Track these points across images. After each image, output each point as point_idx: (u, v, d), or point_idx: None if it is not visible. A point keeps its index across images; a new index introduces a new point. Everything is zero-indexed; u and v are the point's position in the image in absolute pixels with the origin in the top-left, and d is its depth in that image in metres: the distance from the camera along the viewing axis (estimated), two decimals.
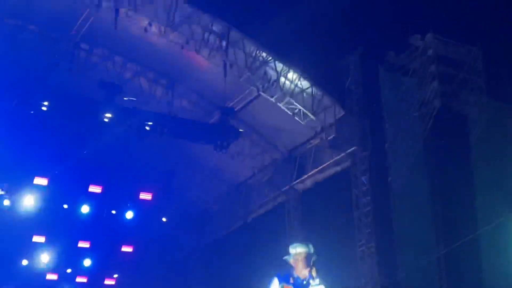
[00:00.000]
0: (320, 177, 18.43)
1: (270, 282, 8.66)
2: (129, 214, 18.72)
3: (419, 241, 16.05)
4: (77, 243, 18.50)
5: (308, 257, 8.52)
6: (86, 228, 18.40)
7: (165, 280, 22.49)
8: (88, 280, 19.33)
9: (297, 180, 18.91)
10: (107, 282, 19.82)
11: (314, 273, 8.48)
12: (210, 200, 21.91)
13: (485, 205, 15.22)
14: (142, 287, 21.74)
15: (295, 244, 8.77)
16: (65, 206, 17.84)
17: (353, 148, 17.02)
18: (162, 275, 22.25)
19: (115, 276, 20.04)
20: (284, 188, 19.29)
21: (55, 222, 18.12)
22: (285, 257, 8.77)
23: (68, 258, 18.79)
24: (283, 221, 19.40)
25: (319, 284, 8.55)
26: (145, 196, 18.67)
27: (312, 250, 8.67)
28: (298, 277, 8.56)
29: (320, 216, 18.76)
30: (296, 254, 8.65)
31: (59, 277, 19.44)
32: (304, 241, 8.83)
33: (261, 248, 20.23)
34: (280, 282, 8.50)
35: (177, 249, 21.92)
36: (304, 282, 8.55)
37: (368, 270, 16.22)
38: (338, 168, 17.74)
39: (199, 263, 22.91)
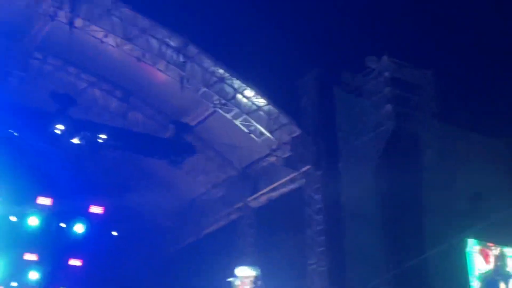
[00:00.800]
0: (274, 194, 18.44)
1: None
2: (79, 228, 18.39)
3: (370, 261, 16.11)
4: (23, 256, 18.06)
5: (255, 281, 8.48)
6: (33, 240, 18.00)
7: None
8: None
9: (251, 197, 18.86)
10: None
11: None
12: (163, 215, 21.70)
13: (436, 227, 15.35)
14: None
15: (243, 267, 8.72)
16: (13, 218, 17.46)
17: (307, 167, 17.07)
18: None
19: None
20: (238, 205, 19.23)
21: (1, 234, 17.70)
22: (230, 279, 8.70)
23: (14, 270, 18.36)
24: (236, 238, 19.31)
25: None
26: (96, 209, 18.37)
27: (259, 274, 8.64)
28: None
29: (273, 233, 18.73)
30: (244, 277, 8.60)
31: None
32: (252, 264, 8.78)
33: (213, 264, 20.09)
34: None
35: (127, 264, 21.60)
36: None
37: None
38: (292, 186, 17.76)
39: (149, 278, 22.61)
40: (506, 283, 15.29)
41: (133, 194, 20.42)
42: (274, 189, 18.32)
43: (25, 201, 17.34)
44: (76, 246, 18.72)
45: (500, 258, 15.46)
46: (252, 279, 8.61)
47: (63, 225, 18.06)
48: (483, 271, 15.04)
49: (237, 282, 8.66)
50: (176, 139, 17.59)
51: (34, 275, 18.26)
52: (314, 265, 16.50)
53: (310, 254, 16.70)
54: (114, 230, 19.44)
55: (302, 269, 16.24)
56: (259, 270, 8.75)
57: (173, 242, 21.61)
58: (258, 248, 18.74)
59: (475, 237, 15.22)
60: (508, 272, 15.61)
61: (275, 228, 18.76)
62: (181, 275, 20.76)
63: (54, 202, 17.56)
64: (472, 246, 15.14)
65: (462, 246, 14.79)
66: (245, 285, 8.61)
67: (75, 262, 18.83)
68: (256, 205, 19.02)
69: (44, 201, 17.44)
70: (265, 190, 18.53)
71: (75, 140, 16.37)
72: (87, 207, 18.26)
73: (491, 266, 15.26)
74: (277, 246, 18.45)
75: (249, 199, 19.00)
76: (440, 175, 16.25)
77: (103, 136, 16.47)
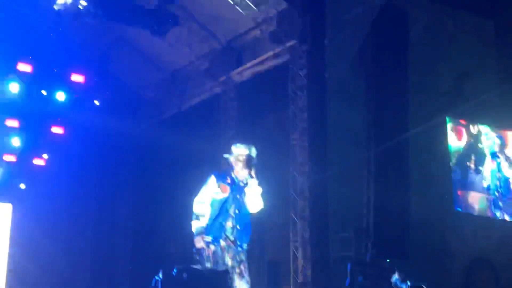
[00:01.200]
0: (258, 69, 18.24)
1: (206, 179, 8.62)
2: (61, 96, 18.24)
3: (352, 138, 16.31)
4: (4, 121, 17.98)
5: (249, 158, 8.47)
6: (14, 106, 17.87)
7: (95, 163, 22.38)
8: (16, 159, 18.97)
9: (235, 71, 18.67)
10: (36, 162, 19.52)
11: (253, 173, 8.47)
12: (145, 86, 21.56)
13: (419, 106, 15.44)
14: (72, 169, 21.60)
15: (238, 145, 8.70)
16: None
17: (292, 42, 16.81)
18: (93, 158, 22.10)
19: (45, 156, 19.76)
20: (221, 79, 19.05)
21: None
22: (226, 155, 8.69)
23: None
24: (218, 111, 19.31)
25: (258, 185, 8.55)
26: (77, 78, 18.14)
27: (254, 153, 8.61)
28: (235, 177, 8.52)
29: (256, 108, 18.78)
30: (238, 154, 8.58)
31: None
32: (247, 142, 8.75)
33: (195, 137, 20.24)
34: (217, 180, 8.47)
35: (109, 134, 21.71)
36: (241, 184, 8.51)
37: (299, 164, 16.43)
38: (276, 61, 17.56)
39: (131, 148, 22.83)
40: (477, 161, 15.56)
41: (115, 64, 20.19)
42: (258, 64, 18.11)
43: (5, 67, 17.04)
44: (57, 114, 18.67)
45: (474, 135, 15.67)
46: (245, 157, 8.58)
47: (44, 92, 17.91)
48: (456, 148, 15.28)
49: (232, 159, 8.66)
50: (160, 9, 17.16)
51: (16, 141, 18.30)
52: (296, 140, 16.63)
53: (293, 130, 16.80)
54: (96, 99, 19.35)
55: (284, 145, 16.36)
56: (254, 149, 8.72)
57: (155, 113, 21.60)
58: (240, 122, 18.80)
59: (457, 116, 15.35)
60: (482, 149, 15.87)
61: (258, 103, 18.78)
62: (163, 146, 20.95)
63: (34, 69, 17.27)
64: (452, 125, 15.28)
65: (444, 125, 14.92)
66: (239, 162, 8.60)
67: (57, 129, 18.85)
68: (240, 79, 18.85)
69: (24, 67, 17.14)
70: (249, 65, 18.32)
71: (56, 6, 15.95)
72: (69, 75, 18.05)
73: (463, 143, 15.49)
74: (260, 121, 18.57)
75: (232, 73, 18.80)
76: (426, 54, 16.17)
77: (84, 3, 16.03)
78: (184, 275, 5.75)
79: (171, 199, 20.18)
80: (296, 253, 16.16)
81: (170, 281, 5.79)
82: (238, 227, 8.32)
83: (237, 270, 8.17)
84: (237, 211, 8.38)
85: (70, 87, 18.27)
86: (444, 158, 14.90)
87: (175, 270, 5.86)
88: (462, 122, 15.66)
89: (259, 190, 8.50)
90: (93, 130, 21.11)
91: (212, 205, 8.43)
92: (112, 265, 21.71)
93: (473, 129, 15.77)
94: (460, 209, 15.00)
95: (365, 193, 15.82)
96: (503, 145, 15.79)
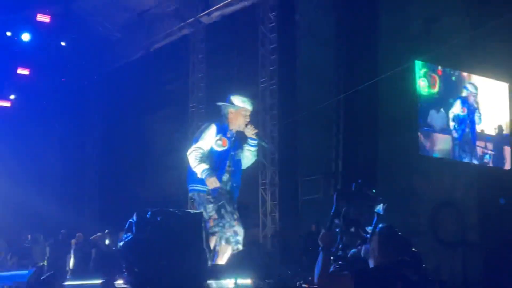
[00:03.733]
0: (227, 11, 17.98)
1: (207, 128, 8.23)
2: (26, 36, 17.87)
3: (321, 82, 16.28)
4: None
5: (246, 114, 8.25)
6: None
7: (62, 104, 22.08)
8: None
9: (204, 13, 18.39)
10: (2, 103, 19.26)
11: (253, 131, 8.20)
12: (112, 27, 21.15)
13: (389, 50, 15.40)
14: (38, 110, 21.31)
15: (244, 99, 8.30)
16: None
17: None
18: (60, 99, 21.80)
19: (11, 97, 19.52)
20: (190, 20, 18.77)
21: None
22: (222, 104, 8.33)
23: None
24: (186, 54, 19.10)
25: (256, 146, 8.32)
26: (42, 18, 17.72)
27: (253, 109, 8.39)
28: (232, 131, 8.21)
29: (225, 51, 18.58)
30: (243, 108, 8.24)
31: None
32: (240, 93, 8.44)
33: (163, 79, 20.05)
34: (218, 132, 8.11)
35: (76, 75, 21.39)
36: (233, 139, 8.22)
37: (268, 107, 16.42)
38: (246, 3, 17.33)
39: (99, 89, 22.55)
40: (446, 106, 15.68)
41: (81, 4, 19.75)
42: (227, 5, 17.84)
43: None
44: (23, 55, 18.35)
45: (443, 80, 15.74)
46: (247, 112, 8.28)
47: (8, 33, 17.58)
48: (427, 94, 15.35)
49: (231, 110, 8.27)
50: None
51: None
52: (265, 83, 16.60)
53: (262, 72, 16.74)
54: (62, 41, 19.02)
55: (253, 87, 16.28)
56: (253, 104, 8.43)
57: (122, 55, 21.27)
58: (209, 64, 18.64)
59: (426, 60, 15.35)
60: (451, 94, 15.97)
61: (227, 46, 18.59)
62: (131, 87, 20.73)
63: None
64: (421, 69, 15.29)
65: (413, 69, 14.92)
66: (239, 116, 8.28)
67: (23, 71, 18.54)
68: (208, 21, 18.60)
69: None
70: (218, 6, 18.04)
71: None
72: (34, 16, 17.63)
73: (432, 87, 15.56)
74: (229, 64, 18.40)
75: (201, 14, 18.53)
76: None
77: None
78: (158, 218, 5.74)
79: (139, 140, 20.10)
80: (264, 195, 16.30)
81: (144, 223, 5.78)
82: (233, 183, 8.11)
83: (229, 218, 7.88)
84: (232, 168, 8.20)
85: (35, 28, 17.90)
86: (413, 103, 14.97)
87: (149, 213, 5.83)
88: (433, 67, 15.69)
89: (255, 148, 8.26)
90: (59, 71, 20.77)
91: (210, 155, 8.00)
92: (80, 207, 21.66)
93: (443, 73, 15.82)
94: (426, 153, 15.16)
95: (334, 137, 15.90)
96: (473, 91, 15.90)
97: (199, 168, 7.84)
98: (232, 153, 8.19)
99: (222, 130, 8.11)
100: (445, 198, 15.67)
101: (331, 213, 5.23)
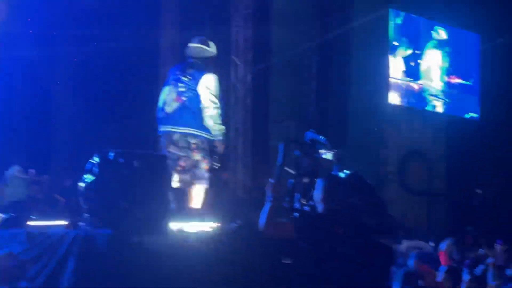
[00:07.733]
0: None
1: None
2: None
3: (295, 27, 16.17)
4: None
5: None
6: None
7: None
8: None
9: None
10: None
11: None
12: None
13: None
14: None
15: (209, 41, 8.16)
16: None
17: None
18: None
19: None
20: None
21: None
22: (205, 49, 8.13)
23: None
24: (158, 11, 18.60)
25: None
26: None
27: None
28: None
29: (198, 25, 18.13)
30: (206, 50, 8.16)
31: None
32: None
33: (134, 21, 19.66)
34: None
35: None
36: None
37: (241, 52, 16.30)
38: None
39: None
40: (417, 54, 15.77)
41: None
42: None
43: None
44: None
45: (417, 28, 15.79)
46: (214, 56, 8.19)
47: None
48: (397, 41, 15.40)
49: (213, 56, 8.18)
50: None
51: None
52: (239, 27, 16.37)
53: (236, 16, 16.50)
54: None
55: (227, 32, 16.14)
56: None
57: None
58: (181, 24, 18.11)
59: (399, 9, 15.32)
60: (423, 41, 16.03)
61: (200, 20, 18.07)
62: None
63: None
64: (395, 17, 15.23)
65: (386, 17, 14.91)
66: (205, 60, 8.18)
67: None
68: None
69: None
70: None
71: None
72: None
73: (405, 36, 15.58)
74: (201, 6, 18.09)
75: None
76: None
77: None
78: (120, 159, 5.70)
79: (111, 82, 19.74)
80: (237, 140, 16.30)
81: (107, 164, 5.76)
82: None
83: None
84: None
85: None
86: (385, 51, 15.00)
87: (111, 154, 5.77)
88: (406, 15, 15.61)
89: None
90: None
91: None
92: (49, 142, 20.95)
93: (415, 21, 15.80)
94: (396, 102, 15.28)
95: (307, 83, 15.91)
96: (446, 40, 15.97)
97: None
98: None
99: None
100: (414, 147, 15.88)
101: (280, 164, 5.24)
